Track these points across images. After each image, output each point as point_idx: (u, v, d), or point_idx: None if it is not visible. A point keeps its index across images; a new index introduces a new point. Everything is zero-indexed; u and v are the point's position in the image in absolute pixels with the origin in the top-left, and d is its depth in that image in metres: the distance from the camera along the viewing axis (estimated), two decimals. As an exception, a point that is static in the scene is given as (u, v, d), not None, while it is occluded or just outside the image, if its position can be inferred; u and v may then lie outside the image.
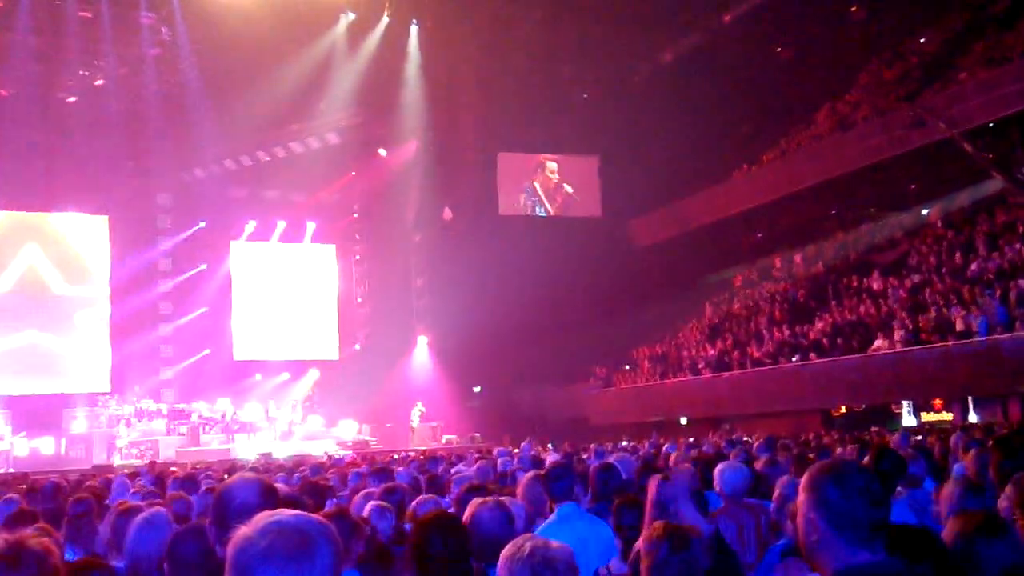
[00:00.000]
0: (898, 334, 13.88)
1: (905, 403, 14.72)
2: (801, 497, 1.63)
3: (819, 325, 15.99)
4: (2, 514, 4.42)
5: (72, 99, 18.50)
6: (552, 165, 22.25)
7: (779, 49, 21.54)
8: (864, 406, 14.89)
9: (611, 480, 5.09)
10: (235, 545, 1.30)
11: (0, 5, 16.57)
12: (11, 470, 13.21)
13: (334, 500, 4.94)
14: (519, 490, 4.06)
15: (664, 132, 19.33)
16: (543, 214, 22.10)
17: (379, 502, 4.02)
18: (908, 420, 14.56)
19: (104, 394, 18.13)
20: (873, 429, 10.28)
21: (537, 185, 22.19)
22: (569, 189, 22.43)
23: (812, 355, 15.19)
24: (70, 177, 18.93)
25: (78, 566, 2.62)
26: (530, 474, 4.09)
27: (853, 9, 20.50)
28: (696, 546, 2.27)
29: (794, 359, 15.56)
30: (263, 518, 1.33)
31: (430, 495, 4.74)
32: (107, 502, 5.05)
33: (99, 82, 18.48)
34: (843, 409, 15.34)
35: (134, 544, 3.05)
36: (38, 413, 16.87)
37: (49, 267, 18.95)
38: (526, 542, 1.98)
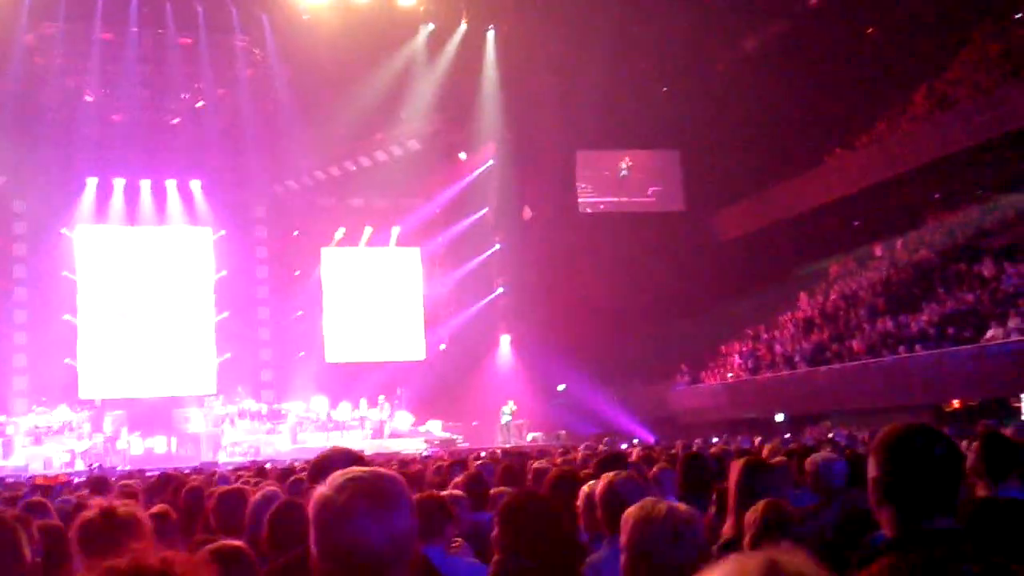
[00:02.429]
0: (1014, 322, 12.89)
1: (1025, 397, 13.62)
2: (869, 458, 1.63)
3: (926, 315, 15.06)
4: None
5: (176, 121, 19.84)
6: (626, 163, 21.98)
7: (869, 30, 20.47)
8: (979, 400, 13.90)
9: (702, 470, 4.99)
10: (316, 502, 1.33)
11: (111, 38, 17.97)
12: (128, 467, 14.24)
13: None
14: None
15: (749, 121, 18.73)
16: (621, 211, 21.86)
17: (455, 491, 4.08)
18: (1029, 415, 13.47)
19: (211, 395, 19.29)
20: (983, 422, 9.57)
21: (611, 180, 21.98)
22: (647, 186, 22.09)
23: (918, 347, 14.32)
24: (176, 193, 20.33)
25: (212, 549, 2.67)
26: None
27: (950, -19, 19.22)
28: (793, 527, 2.20)
29: (899, 351, 14.71)
30: (337, 476, 1.35)
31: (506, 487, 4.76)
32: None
33: (199, 104, 19.75)
34: (956, 404, 14.37)
35: (253, 519, 3.27)
36: (152, 414, 18.13)
37: (160, 277, 20.35)
38: (656, 504, 1.95)
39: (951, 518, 1.54)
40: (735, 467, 3.10)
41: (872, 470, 1.59)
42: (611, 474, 2.93)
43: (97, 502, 2.44)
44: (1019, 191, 16.74)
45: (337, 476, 1.35)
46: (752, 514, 2.32)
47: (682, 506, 2.01)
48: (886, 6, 19.34)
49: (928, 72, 19.43)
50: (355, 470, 1.38)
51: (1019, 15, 18.47)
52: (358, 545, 1.27)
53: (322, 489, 1.33)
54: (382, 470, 1.42)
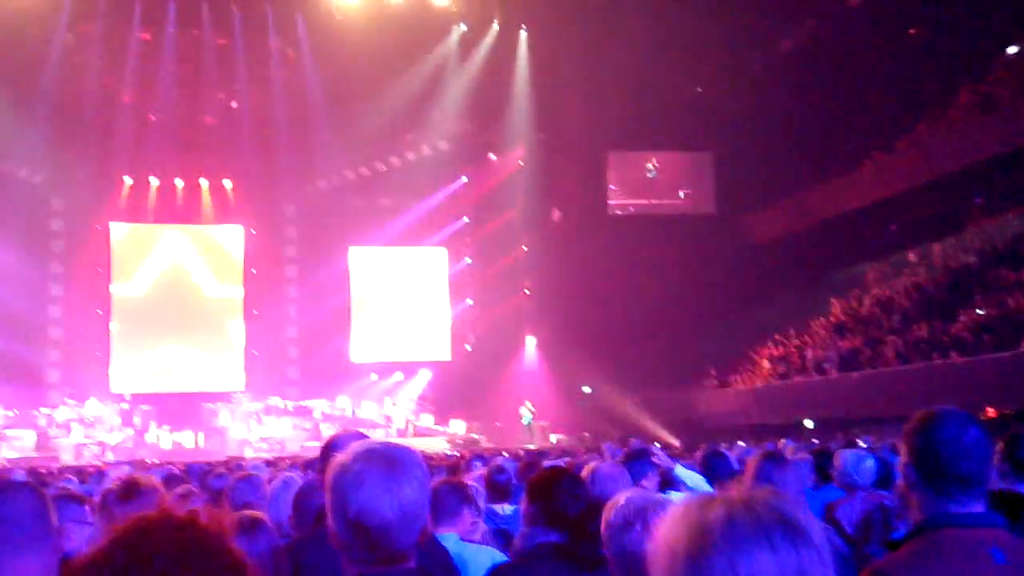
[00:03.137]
0: (1058, 331, 12.41)
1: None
2: (901, 444, 1.66)
3: (962, 321, 14.60)
4: (162, 476, 4.95)
5: (210, 121, 20.13)
6: (652, 163, 21.74)
7: (911, 30, 19.99)
8: (1015, 410, 13.40)
9: (720, 466, 4.85)
10: (331, 469, 1.39)
11: (149, 39, 18.31)
12: (156, 460, 14.39)
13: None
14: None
15: (785, 123, 18.41)
16: (651, 213, 21.62)
17: (474, 484, 4.03)
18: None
19: (238, 391, 19.49)
20: (1011, 431, 9.18)
21: (641, 182, 21.75)
22: (678, 188, 21.83)
23: (953, 353, 13.87)
24: (208, 191, 20.62)
25: (235, 518, 2.75)
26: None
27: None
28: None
29: (933, 357, 14.28)
30: (355, 446, 1.42)
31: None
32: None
33: (233, 104, 20.02)
34: (991, 412, 13.89)
35: (274, 504, 3.27)
36: (180, 409, 18.36)
37: (192, 275, 20.64)
38: (623, 494, 2.12)
39: (981, 502, 1.53)
40: (751, 461, 3.15)
41: (903, 455, 1.59)
42: (594, 463, 3.05)
43: (118, 475, 2.54)
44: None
45: (355, 445, 1.41)
46: None
47: (652, 495, 2.14)
48: (928, 6, 18.88)
49: (970, 74, 18.93)
50: (372, 441, 1.47)
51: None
52: (367, 511, 1.31)
53: (339, 457, 1.40)
54: (399, 444, 1.48)
